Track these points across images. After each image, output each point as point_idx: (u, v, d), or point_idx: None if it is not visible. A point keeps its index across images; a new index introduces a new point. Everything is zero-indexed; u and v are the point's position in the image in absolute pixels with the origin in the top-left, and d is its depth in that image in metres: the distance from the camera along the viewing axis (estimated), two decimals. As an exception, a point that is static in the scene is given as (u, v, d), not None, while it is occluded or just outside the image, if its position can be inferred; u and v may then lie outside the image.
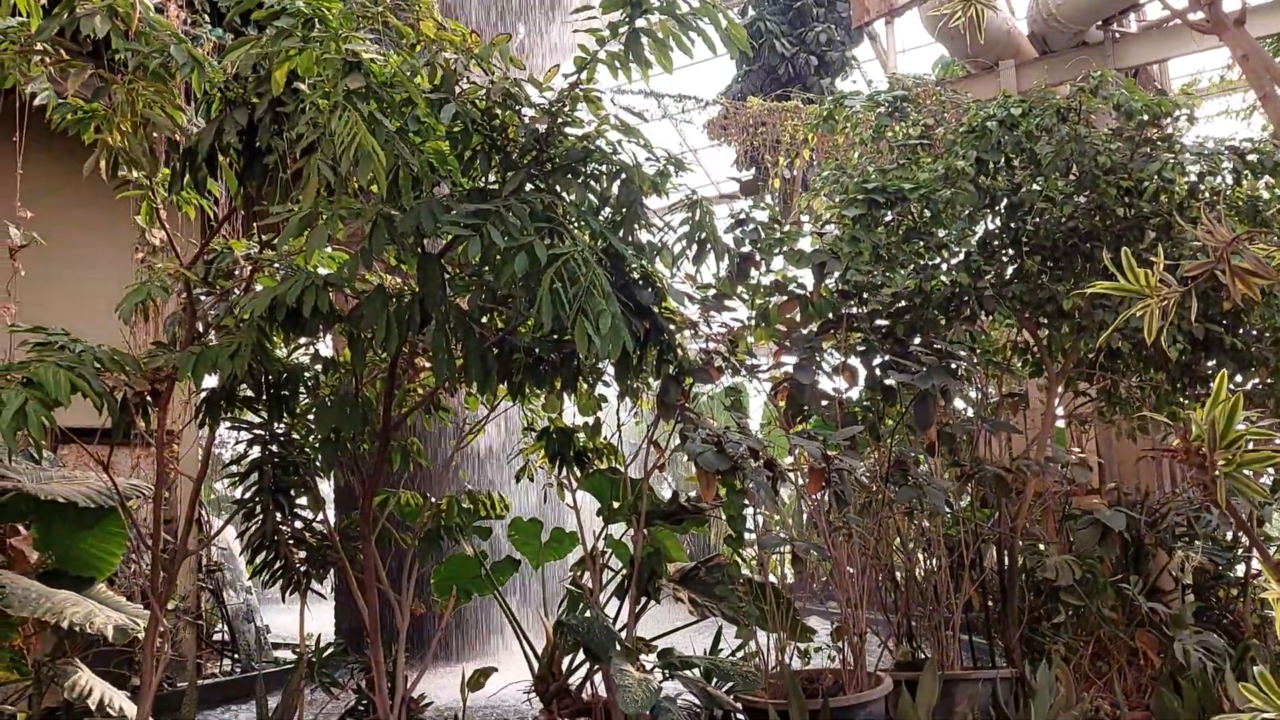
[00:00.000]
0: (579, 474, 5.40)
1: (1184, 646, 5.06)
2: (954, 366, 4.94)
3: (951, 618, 5.36)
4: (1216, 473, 1.62)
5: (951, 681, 5.01)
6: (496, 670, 5.20)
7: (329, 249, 4.81)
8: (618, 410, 5.36)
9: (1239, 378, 5.55)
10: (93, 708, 4.72)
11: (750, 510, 5.37)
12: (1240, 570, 6.37)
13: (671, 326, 4.86)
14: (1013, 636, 5.42)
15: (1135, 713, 5.20)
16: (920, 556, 5.93)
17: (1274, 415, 5.58)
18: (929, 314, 5.31)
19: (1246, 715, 1.71)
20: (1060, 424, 7.62)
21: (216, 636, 9.04)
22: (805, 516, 6.13)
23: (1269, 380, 5.46)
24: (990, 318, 5.72)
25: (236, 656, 8.95)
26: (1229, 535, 6.42)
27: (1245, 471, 1.64)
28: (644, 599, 5.06)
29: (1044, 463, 5.25)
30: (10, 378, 3.65)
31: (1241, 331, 5.26)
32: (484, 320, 4.62)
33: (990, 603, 5.86)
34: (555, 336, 4.49)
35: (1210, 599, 6.30)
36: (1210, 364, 5.50)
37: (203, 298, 4.53)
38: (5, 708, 5.82)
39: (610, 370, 5.15)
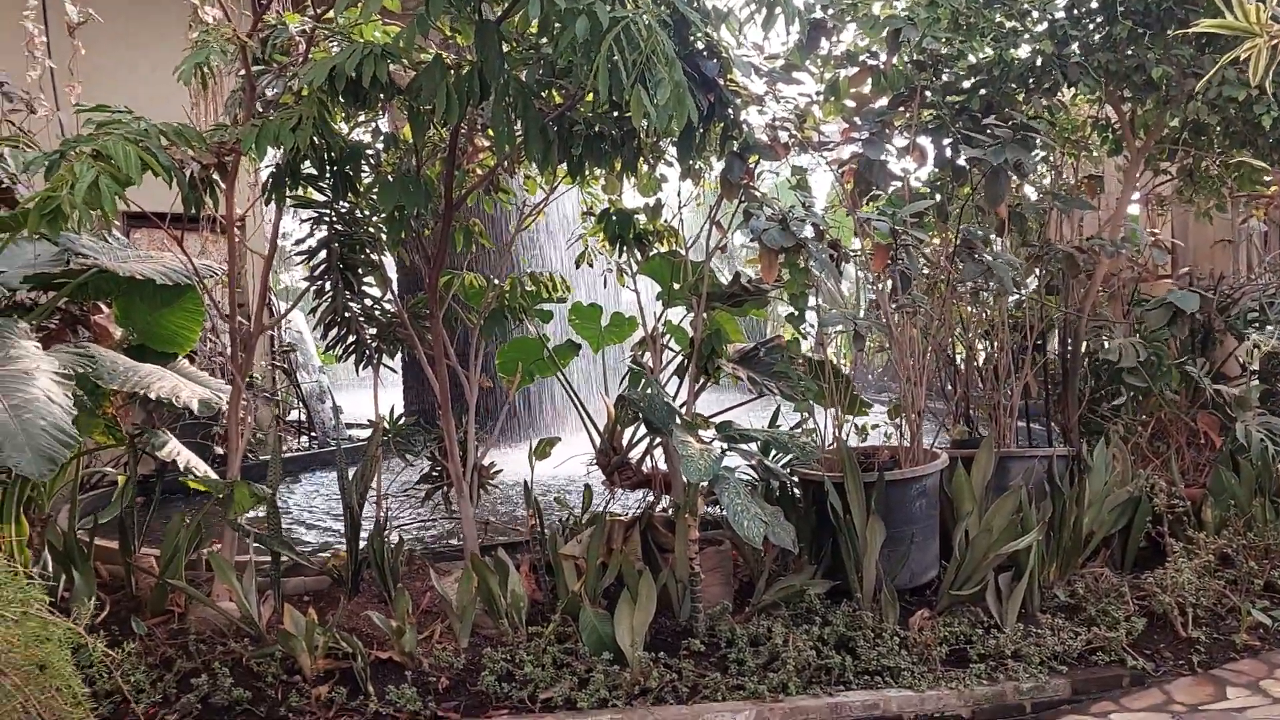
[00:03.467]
0: (639, 257, 5.39)
1: (1246, 427, 5.05)
2: (1030, 140, 4.74)
3: (1010, 399, 5.39)
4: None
5: (1007, 458, 5.10)
6: (561, 440, 5.39)
7: (383, 25, 4.69)
8: (678, 191, 5.29)
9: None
10: (182, 470, 5.02)
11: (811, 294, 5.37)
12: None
13: (737, 101, 4.71)
14: (1071, 417, 5.45)
15: (1191, 490, 5.27)
16: (980, 342, 5.92)
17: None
18: (1006, 87, 5.06)
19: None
20: (1133, 209, 7.39)
21: (292, 416, 9.46)
22: (865, 304, 6.11)
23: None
24: (1072, 91, 5.44)
25: (313, 434, 9.39)
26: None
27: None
28: (703, 378, 5.14)
29: (1118, 242, 5.10)
30: (79, 152, 3.68)
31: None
32: (543, 95, 4.52)
33: (1050, 386, 5.87)
34: (616, 113, 4.38)
35: (1277, 385, 6.23)
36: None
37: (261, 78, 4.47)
38: (107, 470, 6.24)
39: (672, 150, 5.05)
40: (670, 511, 4.83)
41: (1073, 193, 5.74)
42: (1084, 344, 5.57)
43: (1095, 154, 6.03)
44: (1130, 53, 4.87)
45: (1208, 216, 6.01)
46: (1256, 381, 6.21)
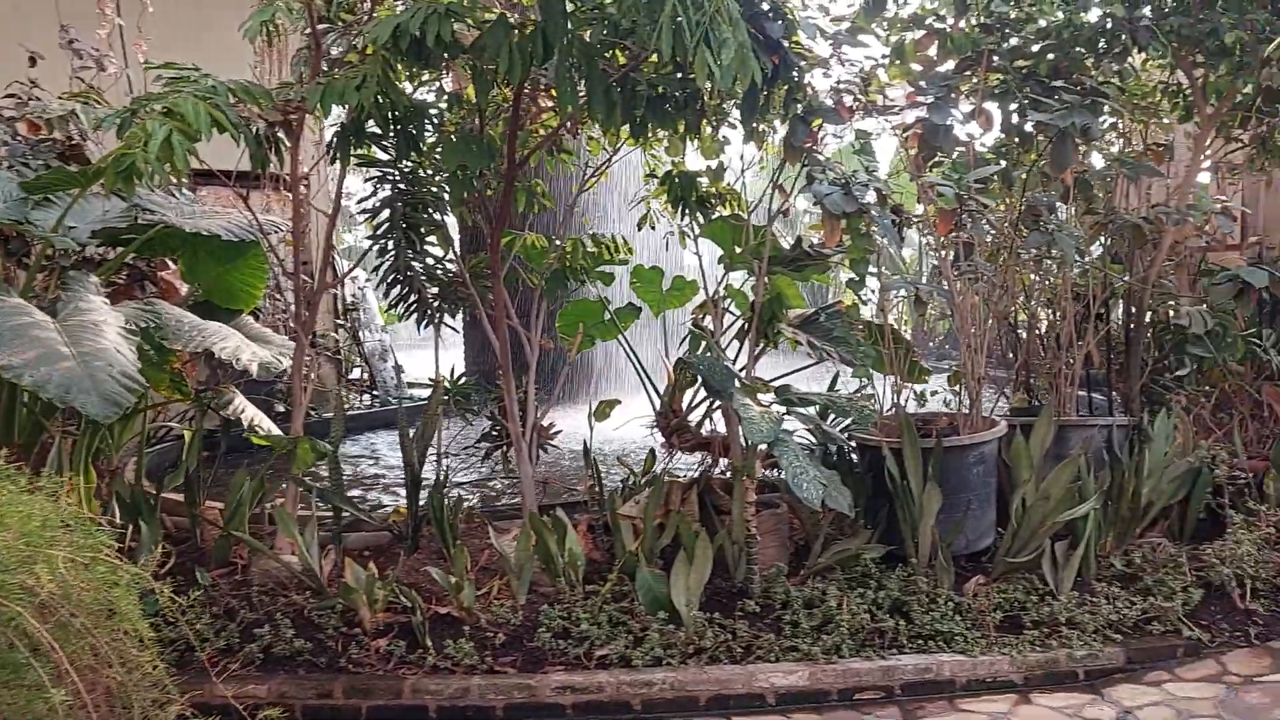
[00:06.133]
0: (700, 220, 5.38)
1: (1315, 400, 4.96)
2: (1098, 105, 4.65)
3: (1071, 368, 5.33)
4: None
5: (1067, 427, 5.05)
6: (620, 403, 5.42)
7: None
8: (741, 155, 5.27)
9: None
10: (246, 426, 5.13)
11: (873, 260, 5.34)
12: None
13: (802, 63, 4.67)
14: (1133, 386, 5.38)
15: (1254, 462, 5.19)
16: (1043, 311, 5.85)
17: None
18: (1075, 52, 4.96)
19: None
20: (1204, 178, 7.22)
21: (354, 375, 9.60)
22: (927, 270, 6.05)
23: None
24: (1143, 56, 5.32)
25: (375, 392, 9.52)
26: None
27: None
28: (763, 343, 5.14)
29: (1185, 210, 5.00)
30: (151, 109, 3.76)
31: None
32: (607, 55, 4.51)
33: (1112, 356, 5.79)
34: (679, 74, 4.37)
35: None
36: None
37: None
38: (173, 424, 6.40)
39: (735, 113, 5.03)
40: (728, 474, 4.86)
41: (1140, 160, 5.62)
42: (1148, 314, 5.48)
43: (1165, 121, 5.89)
44: (1203, 16, 4.74)
45: (1280, 185, 5.87)
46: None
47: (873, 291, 4.97)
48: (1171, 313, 5.44)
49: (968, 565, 4.72)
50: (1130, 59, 5.29)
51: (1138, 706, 3.77)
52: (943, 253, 4.95)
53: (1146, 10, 4.94)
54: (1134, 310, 5.46)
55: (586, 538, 4.68)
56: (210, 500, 5.09)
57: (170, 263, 5.63)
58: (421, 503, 4.80)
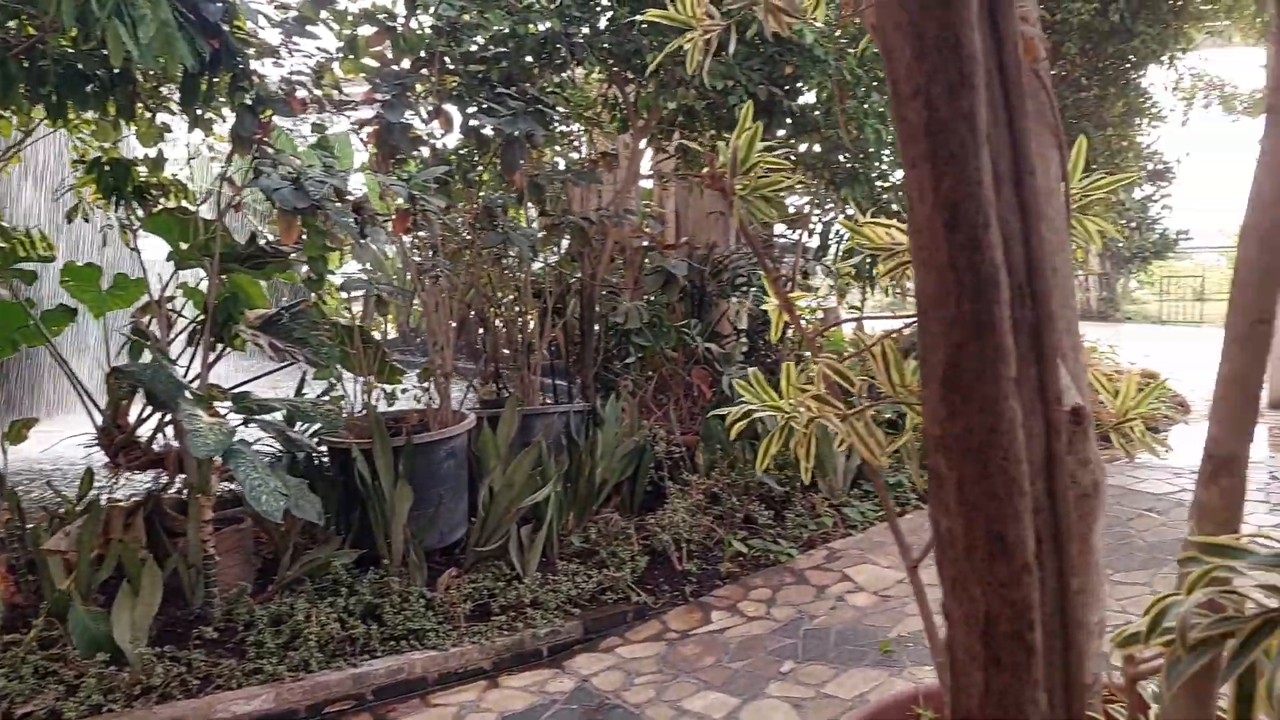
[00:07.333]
0: (140, 213, 4.89)
1: (730, 380, 5.75)
2: (544, 113, 4.97)
3: (534, 360, 5.66)
4: (734, 196, 1.77)
5: (531, 415, 5.36)
6: (38, 420, 4.75)
7: None
8: (188, 144, 4.88)
9: (803, 147, 6.14)
10: None
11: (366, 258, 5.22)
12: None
13: (249, 50, 4.43)
14: (588, 375, 5.85)
15: (687, 436, 5.90)
16: (509, 305, 6.13)
17: (826, 179, 6.27)
18: (523, 61, 5.25)
19: (737, 408, 2.00)
20: (649, 184, 8.06)
21: None
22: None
23: (819, 147, 6.07)
24: (583, 69, 5.78)
25: None
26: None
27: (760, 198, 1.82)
28: (220, 346, 4.81)
29: (621, 214, 5.54)
30: None
31: (802, 100, 5.75)
32: (9, 26, 3.91)
33: (571, 347, 6.25)
34: (106, 52, 3.91)
35: (758, 341, 7.16)
36: (780, 131, 6.00)
37: None
38: None
39: (177, 97, 4.63)
40: (185, 493, 4.47)
41: (589, 167, 6.12)
42: (598, 308, 5.99)
43: (608, 131, 6.46)
44: (630, 37, 5.26)
45: (700, 191, 6.71)
46: (745, 340, 7.08)
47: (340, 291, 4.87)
48: (616, 306, 5.98)
49: (442, 559, 4.82)
50: (570, 71, 5.71)
51: (594, 674, 4.09)
52: (415, 253, 4.99)
53: (585, 29, 5.36)
54: (586, 305, 5.93)
55: (5, 580, 4.04)
56: None
57: None
58: None
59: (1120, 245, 17.32)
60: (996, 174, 0.87)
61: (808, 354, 1.98)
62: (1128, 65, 8.03)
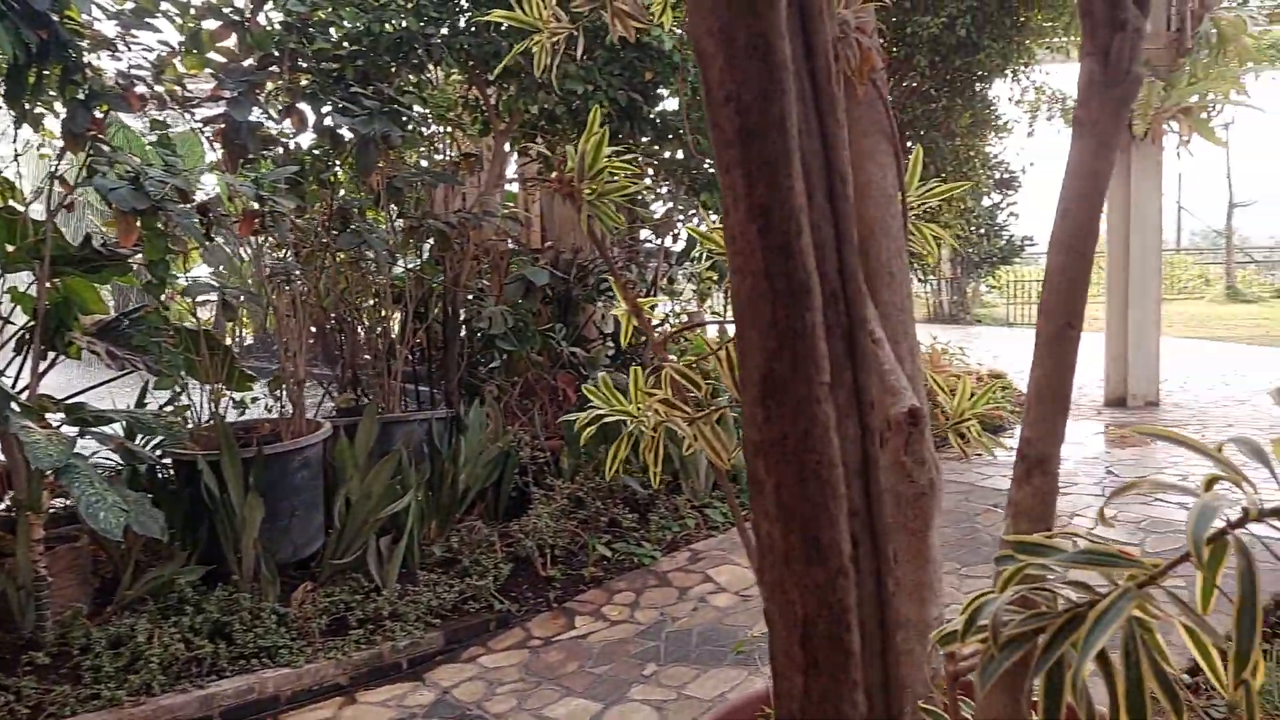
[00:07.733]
0: (-38, 212, 4.56)
1: (595, 384, 5.74)
2: (400, 114, 4.86)
3: (394, 366, 5.53)
4: (582, 201, 1.76)
5: (391, 423, 5.23)
6: None
7: None
8: (14, 139, 4.59)
9: (666, 154, 6.19)
10: None
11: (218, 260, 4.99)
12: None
13: (83, 43, 4.19)
14: (452, 381, 5.75)
15: (552, 441, 5.87)
16: (368, 309, 5.98)
17: (686, 185, 6.33)
18: (378, 59, 5.13)
19: (585, 413, 1.99)
20: (514, 187, 7.99)
21: None
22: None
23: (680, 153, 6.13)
24: (441, 69, 5.69)
25: None
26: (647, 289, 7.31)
27: (608, 201, 1.82)
28: (52, 354, 4.53)
29: (481, 216, 5.46)
30: None
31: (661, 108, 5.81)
32: None
33: (433, 353, 6.14)
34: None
35: (623, 345, 7.18)
36: (644, 138, 6.03)
37: None
38: None
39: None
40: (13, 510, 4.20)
41: (449, 169, 6.02)
42: (462, 312, 5.90)
43: (468, 133, 6.38)
44: (489, 38, 5.20)
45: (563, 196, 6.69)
46: (611, 344, 7.09)
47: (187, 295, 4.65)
48: (479, 311, 5.90)
49: (297, 573, 4.66)
50: (430, 71, 5.61)
51: (455, 685, 4.02)
52: (266, 255, 4.81)
53: (444, 29, 5.27)
54: (449, 309, 5.83)
55: None
56: None
57: None
58: None
59: (970, 250, 18.09)
60: (809, 181, 0.88)
61: (671, 358, 1.98)
62: (974, 78, 8.41)
